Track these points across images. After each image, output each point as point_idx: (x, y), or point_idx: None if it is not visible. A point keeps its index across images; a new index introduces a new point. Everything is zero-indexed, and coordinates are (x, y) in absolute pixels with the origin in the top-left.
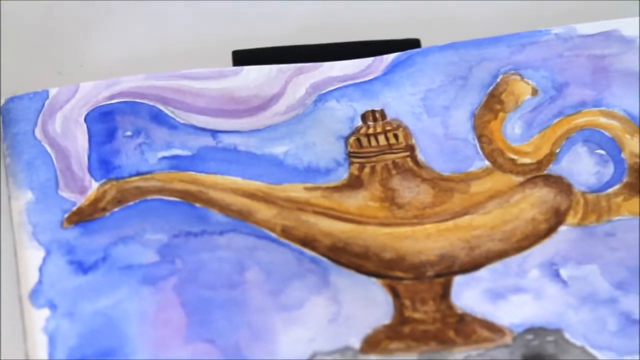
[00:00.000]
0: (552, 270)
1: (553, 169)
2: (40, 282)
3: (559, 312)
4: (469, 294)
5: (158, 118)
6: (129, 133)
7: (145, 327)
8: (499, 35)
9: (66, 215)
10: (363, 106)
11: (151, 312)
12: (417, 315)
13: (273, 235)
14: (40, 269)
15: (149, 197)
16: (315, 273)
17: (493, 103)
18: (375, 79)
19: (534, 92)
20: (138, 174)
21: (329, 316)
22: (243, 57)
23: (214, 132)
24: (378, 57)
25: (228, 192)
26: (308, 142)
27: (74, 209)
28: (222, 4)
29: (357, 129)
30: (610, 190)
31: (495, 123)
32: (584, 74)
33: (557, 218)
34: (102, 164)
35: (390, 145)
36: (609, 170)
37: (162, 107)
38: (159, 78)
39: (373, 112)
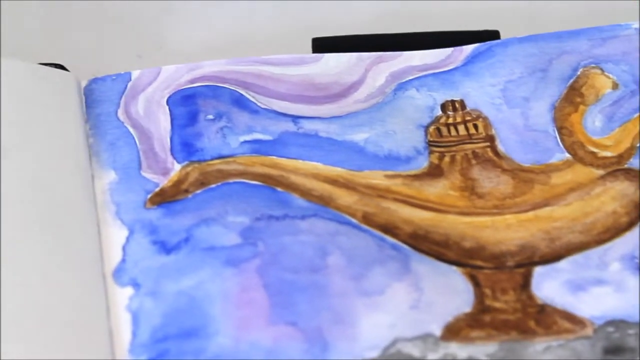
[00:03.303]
0: (634, 264)
1: (634, 162)
2: (123, 260)
3: None
4: (549, 285)
5: (239, 102)
6: (210, 116)
7: (228, 308)
8: (579, 29)
9: (149, 196)
10: (442, 96)
11: (234, 293)
12: (497, 305)
13: (354, 221)
14: (124, 248)
15: (230, 180)
16: (396, 260)
17: (573, 96)
18: (455, 69)
19: (615, 86)
20: (220, 157)
21: (410, 302)
22: (323, 45)
23: (295, 118)
24: (458, 48)
25: (309, 177)
26: (388, 130)
27: (157, 189)
28: None
29: (437, 119)
30: None
31: (575, 116)
32: None
33: (637, 211)
34: (185, 146)
35: (470, 135)
36: None
37: (243, 92)
38: (239, 63)
39: (453, 102)
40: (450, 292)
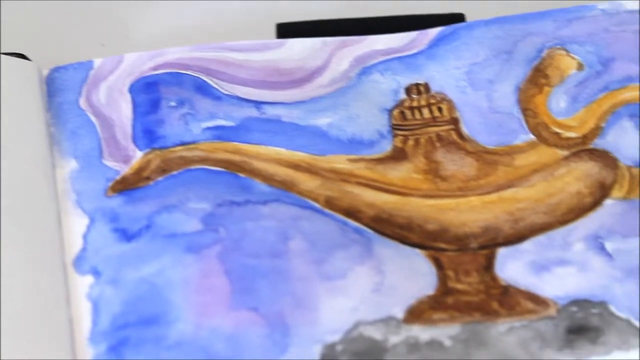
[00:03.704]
0: (597, 244)
1: (598, 143)
2: (84, 249)
3: (603, 284)
4: (512, 266)
5: (202, 89)
6: (173, 103)
7: (188, 294)
8: (544, 10)
9: (110, 184)
10: (407, 79)
11: (195, 280)
12: (460, 287)
13: (317, 205)
14: (85, 237)
15: (192, 167)
16: (359, 243)
17: (538, 77)
18: (420, 52)
19: (580, 67)
20: (182, 143)
21: (372, 286)
22: (287, 30)
23: (258, 103)
24: (422, 31)
25: (272, 163)
26: (352, 114)
27: (118, 177)
28: None
29: (401, 102)
30: None
31: (540, 97)
32: (630, 49)
33: (602, 192)
34: (146, 133)
35: (434, 118)
36: None
37: (206, 78)
38: (203, 49)
39: (417, 85)
40: (413, 275)
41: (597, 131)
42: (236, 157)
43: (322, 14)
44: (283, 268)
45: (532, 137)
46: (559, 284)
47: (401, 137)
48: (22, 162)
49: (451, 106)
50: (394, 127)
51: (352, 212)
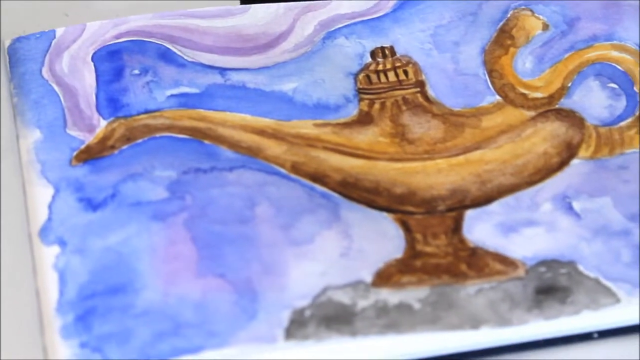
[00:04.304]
0: (565, 204)
1: (565, 103)
2: (49, 219)
3: (572, 244)
4: (481, 228)
5: (166, 56)
6: (136, 71)
7: (155, 263)
8: None
9: (75, 153)
10: (372, 43)
11: (161, 248)
12: (428, 249)
13: (283, 171)
14: (50, 207)
15: (157, 135)
16: (326, 208)
17: (503, 38)
18: (384, 15)
19: (545, 27)
20: (146, 111)
21: (340, 250)
22: None
23: (222, 70)
24: None
25: (237, 129)
26: (317, 79)
27: (83, 147)
28: None
29: (367, 66)
30: (622, 123)
31: (505, 58)
32: (595, 8)
33: (569, 151)
34: (110, 102)
35: (400, 82)
36: (621, 103)
37: (169, 46)
38: (166, 17)
39: (382, 48)
40: (381, 239)
41: (563, 91)
42: (201, 124)
43: None
44: (250, 234)
45: (498, 98)
46: (527, 245)
47: (367, 101)
48: None
49: (417, 69)
50: (359, 91)
51: (318, 177)
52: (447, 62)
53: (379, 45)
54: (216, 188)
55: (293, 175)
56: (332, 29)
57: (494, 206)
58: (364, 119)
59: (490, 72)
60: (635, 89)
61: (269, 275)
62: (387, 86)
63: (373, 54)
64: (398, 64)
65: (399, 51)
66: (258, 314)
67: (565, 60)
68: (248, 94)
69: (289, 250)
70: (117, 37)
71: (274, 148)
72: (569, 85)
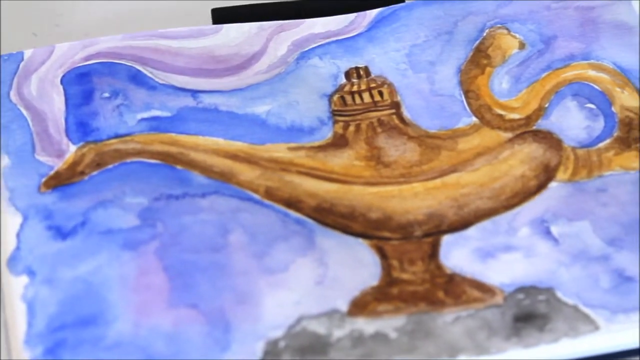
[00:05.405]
0: (543, 228)
1: (542, 124)
2: (18, 248)
3: (550, 270)
4: (458, 254)
5: (136, 79)
6: (106, 94)
7: (126, 293)
8: None
9: (43, 180)
10: (347, 63)
11: (132, 277)
12: (405, 276)
13: (256, 196)
14: (18, 235)
15: (128, 160)
16: (301, 235)
17: (480, 58)
18: (359, 35)
19: (521, 46)
20: (117, 136)
21: (315, 278)
22: (222, 15)
23: (194, 92)
24: (361, 13)
25: (209, 154)
26: (291, 100)
27: (52, 173)
28: None
29: (341, 87)
30: (601, 144)
31: (482, 78)
32: (572, 27)
33: (547, 174)
34: (80, 126)
35: (375, 103)
36: (599, 124)
37: (140, 68)
38: (136, 38)
39: (357, 69)
40: (357, 266)
41: (540, 112)
42: (173, 149)
43: None
44: (223, 263)
45: (474, 119)
46: (505, 271)
47: (342, 123)
48: None
49: (392, 90)
50: (334, 113)
51: (293, 203)
52: (423, 83)
53: (353, 66)
54: (188, 215)
55: (267, 201)
56: (306, 49)
57: (471, 231)
58: (339, 142)
59: (466, 93)
60: (613, 109)
61: (243, 305)
62: (362, 108)
63: (348, 74)
64: (373, 85)
65: (374, 71)
66: (231, 346)
67: (543, 79)
68: (220, 117)
69: (262, 279)
70: (86, 59)
71: (247, 173)
72: (547, 105)
